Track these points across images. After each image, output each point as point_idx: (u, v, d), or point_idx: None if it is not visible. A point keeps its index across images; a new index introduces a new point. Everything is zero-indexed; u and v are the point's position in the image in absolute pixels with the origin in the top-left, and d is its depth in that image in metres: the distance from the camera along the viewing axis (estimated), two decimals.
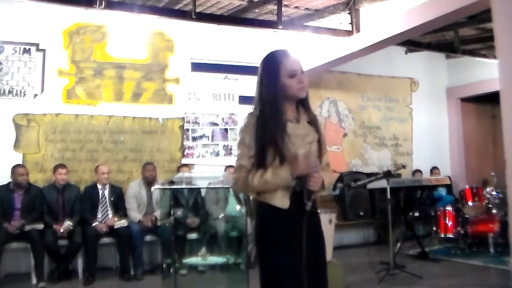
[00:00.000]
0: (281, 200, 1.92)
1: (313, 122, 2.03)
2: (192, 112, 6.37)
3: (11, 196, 4.99)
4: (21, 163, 5.34)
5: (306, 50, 5.92)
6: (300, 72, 1.96)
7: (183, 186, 4.18)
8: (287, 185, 1.91)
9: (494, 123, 8.06)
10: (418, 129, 7.93)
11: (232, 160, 6.67)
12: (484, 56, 6.98)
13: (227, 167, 5.92)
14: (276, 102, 1.94)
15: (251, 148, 1.94)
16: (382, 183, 5.03)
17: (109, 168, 5.51)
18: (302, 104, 2.04)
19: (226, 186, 4.90)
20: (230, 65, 6.62)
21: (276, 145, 1.90)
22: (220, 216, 5.36)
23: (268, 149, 1.91)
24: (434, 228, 6.07)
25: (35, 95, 5.64)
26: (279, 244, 1.92)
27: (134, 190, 5.51)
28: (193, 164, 6.23)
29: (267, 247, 1.96)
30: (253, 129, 1.94)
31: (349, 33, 5.42)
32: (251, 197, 2.18)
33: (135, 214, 5.38)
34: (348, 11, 5.30)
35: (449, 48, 6.91)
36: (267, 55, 2.03)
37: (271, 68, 1.96)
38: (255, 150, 1.93)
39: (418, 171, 7.50)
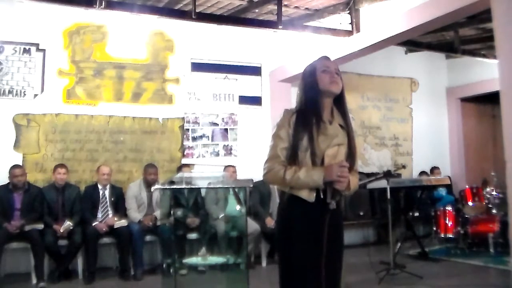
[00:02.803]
0: (308, 193, 1.98)
1: (345, 126, 2.09)
2: (192, 112, 6.37)
3: (10, 196, 4.99)
4: (20, 163, 5.34)
5: (306, 50, 5.92)
6: (333, 70, 2.09)
7: (183, 186, 4.17)
8: (317, 187, 1.96)
9: (494, 123, 8.06)
10: (418, 129, 7.92)
11: (232, 160, 6.71)
12: (484, 56, 6.98)
13: (226, 166, 5.92)
14: (313, 95, 2.06)
15: (285, 141, 2.01)
16: (382, 183, 5.03)
17: (110, 169, 5.50)
18: (339, 107, 2.12)
19: (226, 186, 4.90)
20: (230, 65, 6.62)
21: (311, 139, 1.97)
22: (220, 216, 5.36)
23: (302, 143, 1.98)
24: (434, 228, 6.07)
25: (35, 95, 5.65)
26: (300, 236, 1.97)
27: (134, 191, 5.51)
28: (193, 164, 6.23)
29: (289, 238, 2.01)
30: (288, 123, 2.02)
31: (349, 33, 5.42)
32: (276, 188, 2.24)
33: (135, 214, 5.38)
34: (348, 11, 5.29)
35: (449, 48, 6.91)
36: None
37: (310, 67, 2.14)
38: (290, 143, 2.00)
39: (424, 172, 7.38)
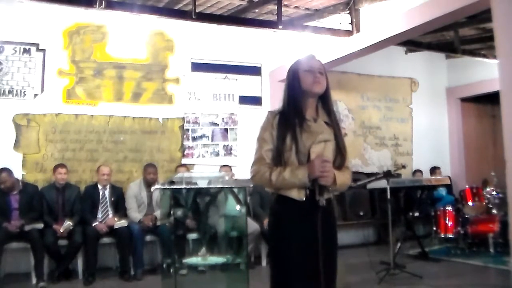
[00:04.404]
0: (298, 193, 1.97)
1: (331, 123, 2.07)
2: (192, 112, 6.37)
3: (6, 197, 4.96)
4: (19, 163, 5.38)
5: (306, 50, 5.92)
6: (317, 70, 2.06)
7: (183, 186, 4.17)
8: (304, 185, 1.95)
9: (494, 123, 8.06)
10: (418, 129, 7.92)
11: (232, 160, 6.68)
12: (484, 56, 6.98)
13: (222, 166, 5.92)
14: (295, 95, 2.06)
15: (269, 142, 2.02)
16: (382, 183, 5.03)
17: (110, 169, 5.50)
18: (324, 105, 2.11)
19: (226, 186, 4.90)
20: (230, 65, 6.62)
21: (294, 138, 1.97)
22: (220, 216, 5.36)
23: (286, 142, 1.98)
24: (434, 228, 6.06)
25: (35, 95, 5.64)
26: (293, 235, 1.96)
27: (134, 191, 5.51)
28: (193, 164, 6.23)
29: (280, 238, 2.00)
30: (271, 125, 2.03)
31: (349, 33, 5.42)
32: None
33: (135, 214, 5.38)
34: (348, 11, 5.30)
35: (449, 48, 6.91)
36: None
37: (293, 67, 2.13)
38: (274, 144, 2.01)
39: (418, 171, 7.49)
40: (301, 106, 2.04)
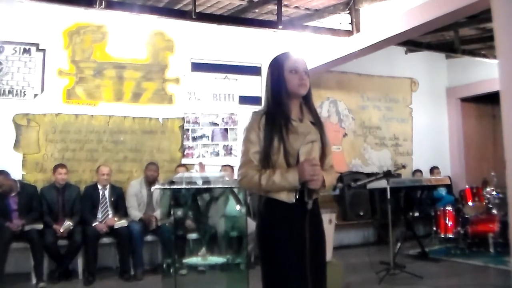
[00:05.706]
0: (287, 195, 1.94)
1: (316, 122, 2.06)
2: (192, 112, 6.37)
3: (5, 199, 4.95)
4: (19, 163, 5.38)
5: (306, 50, 5.92)
6: (302, 70, 2.03)
7: (183, 186, 4.17)
8: (294, 188, 1.93)
9: (494, 123, 8.06)
10: (418, 129, 7.93)
11: (232, 160, 6.68)
12: (484, 56, 6.98)
13: (223, 166, 5.92)
14: (280, 96, 2.01)
15: (256, 144, 1.98)
16: (382, 183, 5.03)
17: (110, 169, 5.50)
18: (306, 104, 2.08)
19: (226, 186, 4.90)
20: (230, 65, 6.62)
21: (281, 140, 1.94)
22: (220, 216, 5.36)
23: (274, 144, 1.95)
24: (434, 228, 6.07)
25: (35, 95, 5.64)
26: (282, 238, 1.94)
27: (135, 188, 5.52)
28: (193, 164, 6.22)
29: (270, 241, 1.97)
30: (257, 126, 1.99)
31: (349, 33, 5.42)
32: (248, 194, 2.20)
33: (135, 212, 5.39)
34: (348, 11, 5.30)
35: (449, 48, 6.91)
36: (275, 56, 2.13)
37: (276, 65, 2.08)
38: (261, 146, 1.97)
39: (418, 171, 7.50)
40: (287, 108, 2.00)
